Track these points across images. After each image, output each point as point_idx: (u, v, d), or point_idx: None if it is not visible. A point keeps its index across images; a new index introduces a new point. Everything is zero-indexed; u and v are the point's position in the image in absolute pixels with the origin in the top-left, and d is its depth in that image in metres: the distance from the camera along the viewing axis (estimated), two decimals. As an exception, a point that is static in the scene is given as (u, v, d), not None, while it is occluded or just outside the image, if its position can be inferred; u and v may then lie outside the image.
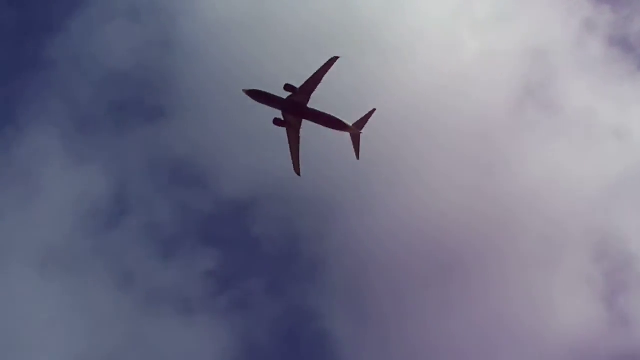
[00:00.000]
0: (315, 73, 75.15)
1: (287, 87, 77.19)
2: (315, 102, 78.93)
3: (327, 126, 79.47)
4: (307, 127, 79.92)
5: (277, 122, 79.15)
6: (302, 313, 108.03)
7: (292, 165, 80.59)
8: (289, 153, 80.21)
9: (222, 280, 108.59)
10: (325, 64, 74.53)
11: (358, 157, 79.87)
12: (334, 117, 78.96)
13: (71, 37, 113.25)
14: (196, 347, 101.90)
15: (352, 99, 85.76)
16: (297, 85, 77.32)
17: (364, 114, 79.29)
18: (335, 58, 74.27)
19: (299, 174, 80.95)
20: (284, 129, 79.44)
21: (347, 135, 79.70)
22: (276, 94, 79.26)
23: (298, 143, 79.57)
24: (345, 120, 79.34)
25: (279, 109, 79.33)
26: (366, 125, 79.20)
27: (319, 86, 76.32)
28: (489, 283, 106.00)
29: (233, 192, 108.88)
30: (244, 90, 79.31)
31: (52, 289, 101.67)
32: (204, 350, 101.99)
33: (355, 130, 78.89)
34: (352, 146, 79.42)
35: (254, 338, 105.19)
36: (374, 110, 78.74)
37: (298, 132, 79.22)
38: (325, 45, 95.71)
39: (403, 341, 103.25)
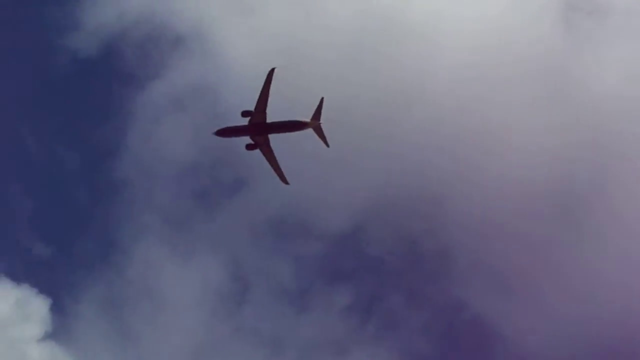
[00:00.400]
0: (262, 90, 79.53)
1: (244, 113, 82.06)
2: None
3: (290, 131, 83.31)
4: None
5: (248, 147, 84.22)
6: (448, 310, 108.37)
7: (279, 178, 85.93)
8: (272, 170, 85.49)
9: (362, 310, 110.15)
10: (267, 78, 78.99)
11: (328, 146, 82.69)
12: (291, 121, 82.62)
13: (133, 152, 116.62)
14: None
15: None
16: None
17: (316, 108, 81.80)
18: (273, 69, 78.63)
19: (287, 182, 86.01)
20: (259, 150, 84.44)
21: (311, 131, 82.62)
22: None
23: (274, 157, 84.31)
24: (302, 119, 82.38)
25: (246, 135, 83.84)
26: None
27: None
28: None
29: (336, 226, 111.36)
30: (213, 134, 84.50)
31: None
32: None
33: (315, 123, 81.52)
34: (318, 139, 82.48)
35: (416, 352, 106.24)
36: (322, 98, 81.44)
37: (269, 147, 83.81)
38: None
39: (561, 300, 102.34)
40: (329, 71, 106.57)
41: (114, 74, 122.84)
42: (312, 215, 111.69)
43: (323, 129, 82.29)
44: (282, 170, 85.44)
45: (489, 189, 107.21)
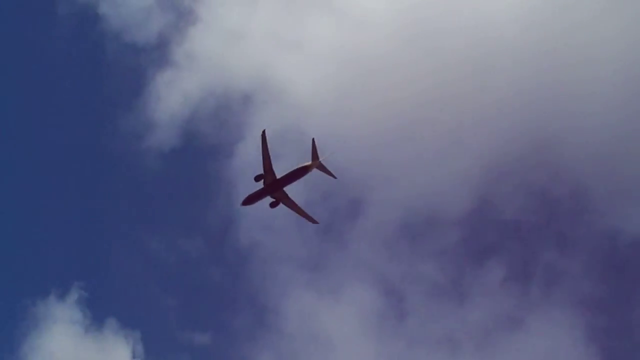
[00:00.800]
0: (262, 153, 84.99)
1: (257, 178, 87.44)
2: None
3: (299, 177, 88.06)
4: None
5: (272, 205, 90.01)
6: (604, 242, 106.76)
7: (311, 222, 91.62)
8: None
9: (520, 277, 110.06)
10: (262, 141, 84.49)
11: (335, 177, 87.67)
12: (296, 169, 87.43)
13: (248, 215, 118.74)
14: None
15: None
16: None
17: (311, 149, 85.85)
18: (264, 131, 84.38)
19: (316, 222, 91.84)
20: (281, 204, 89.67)
21: (316, 171, 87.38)
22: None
23: (296, 204, 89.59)
24: (304, 164, 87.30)
25: (265, 196, 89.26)
26: None
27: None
28: None
29: (461, 207, 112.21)
30: (242, 205, 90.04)
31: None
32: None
33: (315, 162, 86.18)
34: (326, 175, 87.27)
35: (589, 297, 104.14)
36: (313, 139, 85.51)
37: (289, 198, 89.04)
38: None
39: None
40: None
41: (202, 152, 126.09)
42: (434, 207, 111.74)
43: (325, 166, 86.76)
44: (308, 212, 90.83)
45: (597, 115, 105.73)
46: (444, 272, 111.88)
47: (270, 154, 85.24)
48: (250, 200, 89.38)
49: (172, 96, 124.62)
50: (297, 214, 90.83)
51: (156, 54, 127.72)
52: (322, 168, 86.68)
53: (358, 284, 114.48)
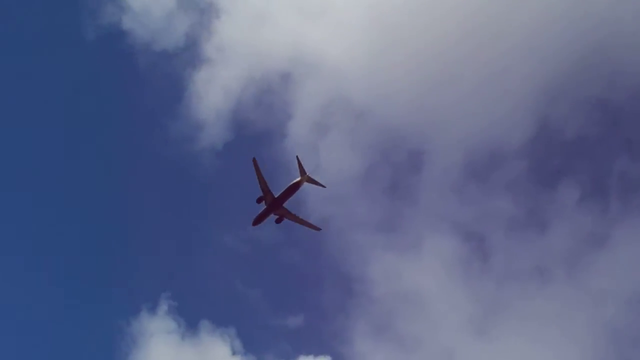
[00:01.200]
0: (258, 178, 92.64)
1: (258, 200, 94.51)
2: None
3: (294, 192, 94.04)
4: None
5: (277, 221, 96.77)
6: None
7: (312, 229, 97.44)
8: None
9: (596, 193, 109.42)
10: (255, 168, 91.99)
11: (324, 186, 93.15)
12: (288, 186, 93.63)
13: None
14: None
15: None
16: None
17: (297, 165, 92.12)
18: (254, 159, 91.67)
19: (319, 229, 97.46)
20: (285, 219, 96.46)
21: (307, 184, 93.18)
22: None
23: (298, 217, 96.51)
24: (294, 180, 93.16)
25: (270, 214, 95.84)
26: None
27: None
28: None
29: (520, 135, 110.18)
30: (252, 226, 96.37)
31: None
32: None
33: (304, 177, 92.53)
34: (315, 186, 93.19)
35: None
36: (297, 156, 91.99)
37: (290, 213, 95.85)
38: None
39: None
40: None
41: (254, 139, 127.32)
42: (495, 141, 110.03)
43: (313, 177, 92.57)
44: (309, 221, 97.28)
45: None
46: (518, 204, 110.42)
47: (264, 177, 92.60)
48: (258, 220, 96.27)
49: (213, 92, 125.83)
50: (300, 225, 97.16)
51: (188, 55, 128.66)
52: (311, 180, 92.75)
53: (436, 234, 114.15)
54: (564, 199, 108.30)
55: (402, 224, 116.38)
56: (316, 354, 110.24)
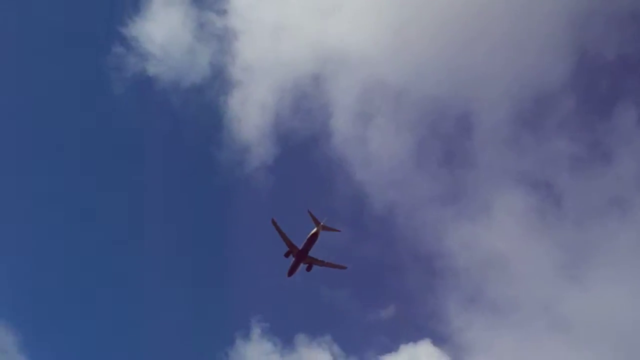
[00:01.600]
0: (280, 236, 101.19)
1: (286, 254, 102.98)
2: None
3: (314, 242, 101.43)
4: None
5: (307, 269, 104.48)
6: None
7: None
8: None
9: None
10: (276, 228, 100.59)
11: (339, 230, 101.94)
12: (308, 238, 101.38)
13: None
14: None
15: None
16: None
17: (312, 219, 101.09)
18: (273, 219, 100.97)
19: (344, 267, 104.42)
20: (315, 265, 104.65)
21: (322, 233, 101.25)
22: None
23: (324, 261, 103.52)
24: (311, 232, 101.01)
25: (300, 264, 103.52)
26: None
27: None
28: None
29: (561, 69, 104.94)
30: (288, 277, 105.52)
31: None
32: None
33: (319, 227, 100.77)
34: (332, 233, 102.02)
35: None
36: (309, 210, 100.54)
37: (317, 260, 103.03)
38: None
39: None
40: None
41: (302, 146, 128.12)
42: (537, 82, 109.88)
43: (328, 225, 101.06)
44: (335, 262, 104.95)
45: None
46: (576, 141, 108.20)
47: (285, 234, 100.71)
48: (291, 271, 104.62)
49: (251, 112, 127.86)
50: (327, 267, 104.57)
51: (217, 83, 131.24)
52: (326, 228, 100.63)
53: (502, 192, 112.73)
54: (621, 123, 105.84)
55: (467, 190, 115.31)
56: (416, 340, 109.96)
